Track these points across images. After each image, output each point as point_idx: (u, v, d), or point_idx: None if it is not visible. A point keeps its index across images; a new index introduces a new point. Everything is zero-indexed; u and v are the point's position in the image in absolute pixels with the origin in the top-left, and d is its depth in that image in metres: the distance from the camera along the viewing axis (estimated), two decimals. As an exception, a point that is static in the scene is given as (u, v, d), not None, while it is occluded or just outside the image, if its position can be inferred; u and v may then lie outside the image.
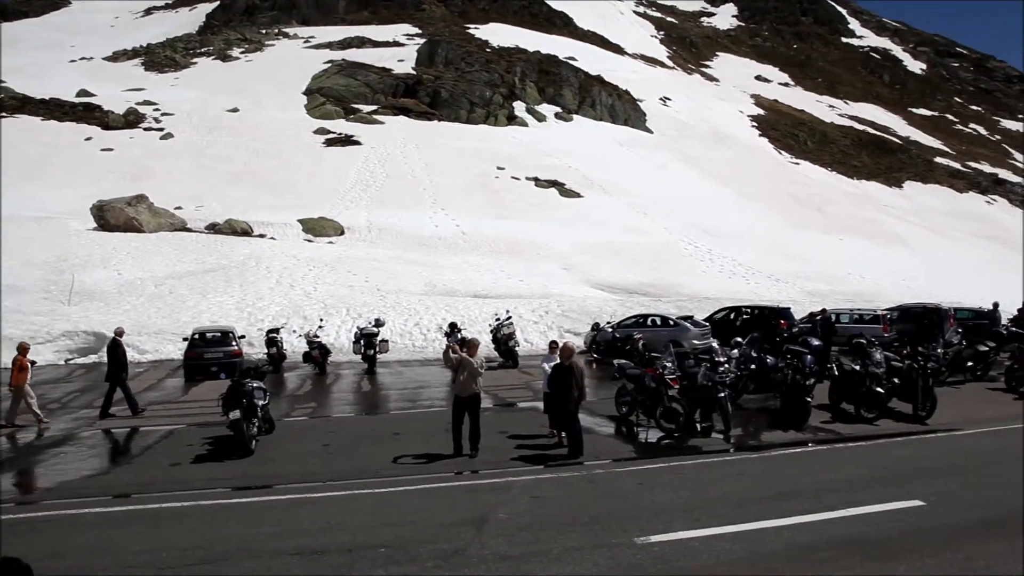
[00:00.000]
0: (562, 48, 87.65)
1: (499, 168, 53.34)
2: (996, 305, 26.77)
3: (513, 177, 52.20)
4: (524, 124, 67.26)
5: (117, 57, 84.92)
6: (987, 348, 19.98)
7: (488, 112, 66.21)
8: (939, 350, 17.48)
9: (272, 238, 38.40)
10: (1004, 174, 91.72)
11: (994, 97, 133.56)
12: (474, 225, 42.94)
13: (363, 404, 15.88)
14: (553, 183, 52.08)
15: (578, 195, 51.11)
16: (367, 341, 19.67)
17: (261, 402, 11.32)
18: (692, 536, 7.24)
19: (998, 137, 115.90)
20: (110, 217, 36.01)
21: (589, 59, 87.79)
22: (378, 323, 20.84)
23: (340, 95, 66.21)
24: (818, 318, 22.99)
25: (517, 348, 21.20)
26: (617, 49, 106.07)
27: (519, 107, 69.96)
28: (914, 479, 9.39)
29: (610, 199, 51.98)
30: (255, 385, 11.40)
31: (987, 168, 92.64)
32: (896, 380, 13.87)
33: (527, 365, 20.26)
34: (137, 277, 28.30)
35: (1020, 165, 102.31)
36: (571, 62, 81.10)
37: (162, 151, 52.20)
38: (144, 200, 38.18)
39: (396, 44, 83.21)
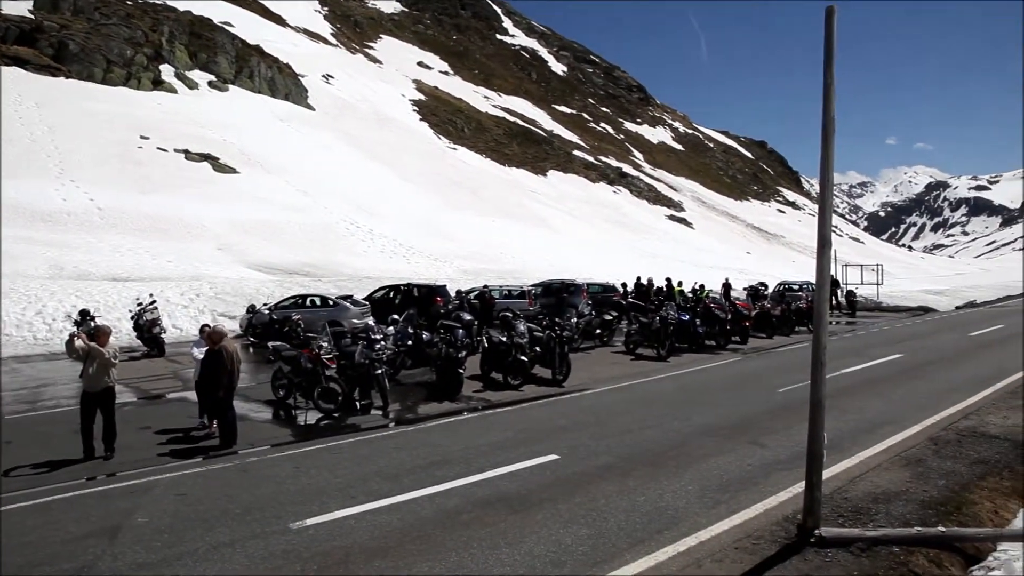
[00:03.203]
0: (217, 11, 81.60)
1: (143, 137, 48.17)
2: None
3: (160, 148, 47.54)
4: (173, 91, 61.50)
5: None
6: (611, 317, 23.14)
7: (130, 73, 59.19)
8: (573, 320, 19.90)
9: None
10: (627, 168, 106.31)
11: (619, 102, 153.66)
12: (113, 200, 38.32)
13: (-37, 411, 13.34)
14: (206, 157, 48.52)
15: (234, 171, 48.30)
16: (-31, 335, 16.60)
17: None
18: (348, 514, 7.32)
19: (622, 136, 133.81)
20: None
21: (247, 27, 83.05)
22: (-16, 313, 17.69)
23: (-73, 36, 54.31)
24: (474, 295, 24.57)
25: (163, 335, 19.53)
26: (278, 20, 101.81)
27: (167, 71, 63.72)
28: (551, 436, 10.50)
29: (269, 176, 49.98)
30: None
31: (614, 162, 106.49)
32: (538, 349, 15.49)
33: (176, 353, 18.77)
34: None
35: (639, 161, 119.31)
36: (227, 28, 75.93)
37: None
38: None
39: (8, -18, 70.53)
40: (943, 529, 6.58)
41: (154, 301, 20.61)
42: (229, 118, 58.92)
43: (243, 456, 9.78)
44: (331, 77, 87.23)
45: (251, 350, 19.98)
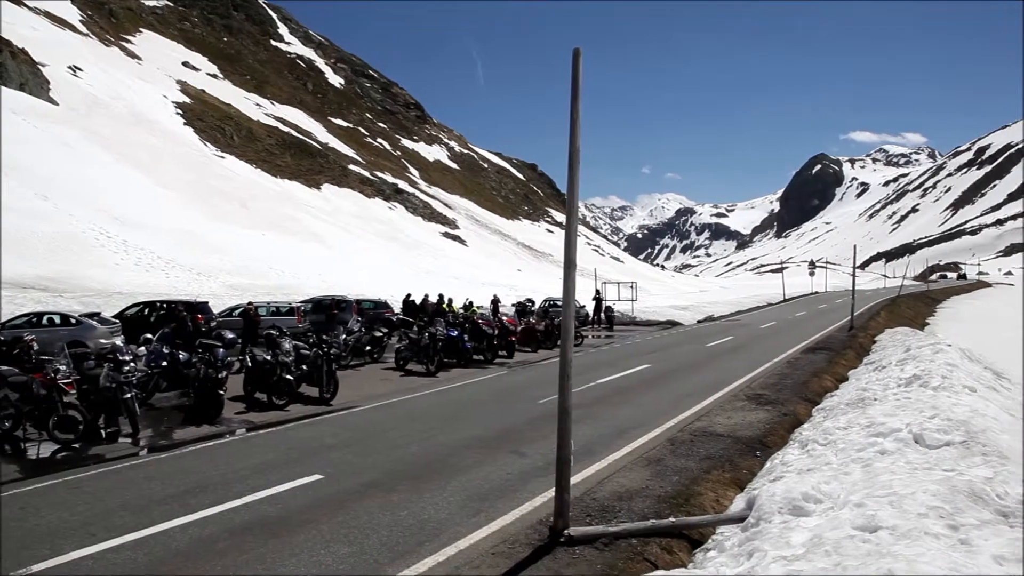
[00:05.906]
0: (-67, -16, 70.93)
1: None
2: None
3: None
4: None
5: None
6: (381, 334, 23.15)
7: None
8: (342, 337, 19.69)
9: None
10: (403, 185, 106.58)
11: (397, 118, 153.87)
12: None
13: None
14: (-83, 150, 41.92)
15: (-45, 168, 42.14)
16: None
17: None
18: (86, 554, 6.71)
19: (399, 153, 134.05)
20: None
21: (-27, 5, 72.92)
22: None
23: None
24: (238, 312, 23.48)
25: None
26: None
27: None
28: (316, 456, 10.33)
29: None
30: None
31: (390, 178, 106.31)
32: (304, 367, 15.16)
33: None
34: None
35: (415, 178, 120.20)
36: (-54, 4, 66.28)
37: None
38: None
39: None
40: (674, 519, 7.38)
41: None
42: (-53, 108, 51.29)
43: (-49, 502, 8.60)
44: (79, 69, 78.92)
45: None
